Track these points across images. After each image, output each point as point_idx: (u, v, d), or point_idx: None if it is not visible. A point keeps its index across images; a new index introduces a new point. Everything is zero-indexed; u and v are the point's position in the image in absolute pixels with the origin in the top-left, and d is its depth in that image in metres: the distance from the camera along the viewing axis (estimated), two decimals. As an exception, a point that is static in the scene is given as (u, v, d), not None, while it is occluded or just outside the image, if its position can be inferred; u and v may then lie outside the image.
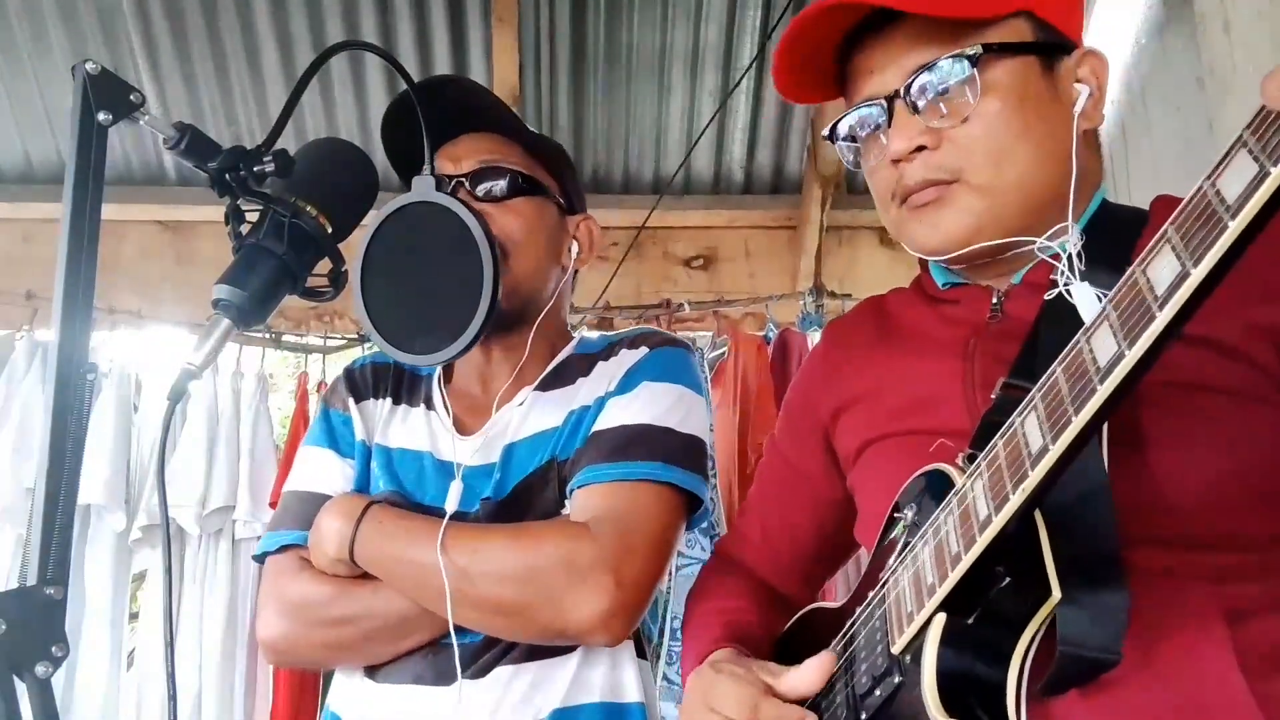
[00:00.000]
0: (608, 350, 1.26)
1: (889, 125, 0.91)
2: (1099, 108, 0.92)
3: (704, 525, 2.61)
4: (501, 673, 1.11)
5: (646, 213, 3.19)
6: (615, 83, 3.20)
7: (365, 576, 1.13)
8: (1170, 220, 0.58)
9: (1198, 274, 0.55)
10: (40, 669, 0.70)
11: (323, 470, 1.25)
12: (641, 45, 3.12)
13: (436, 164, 1.25)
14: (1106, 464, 0.72)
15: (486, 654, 1.12)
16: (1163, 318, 0.56)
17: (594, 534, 1.07)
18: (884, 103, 0.91)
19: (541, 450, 1.20)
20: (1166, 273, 0.57)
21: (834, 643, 0.88)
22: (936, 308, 1.00)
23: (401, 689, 1.14)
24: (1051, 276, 0.86)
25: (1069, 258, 0.80)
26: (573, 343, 1.32)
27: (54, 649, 0.70)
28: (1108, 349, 0.60)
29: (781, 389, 2.87)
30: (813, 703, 0.87)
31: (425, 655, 1.13)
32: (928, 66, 0.89)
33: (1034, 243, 0.87)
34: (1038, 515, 0.70)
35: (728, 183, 3.44)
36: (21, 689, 0.69)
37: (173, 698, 0.83)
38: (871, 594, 0.84)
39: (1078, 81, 0.91)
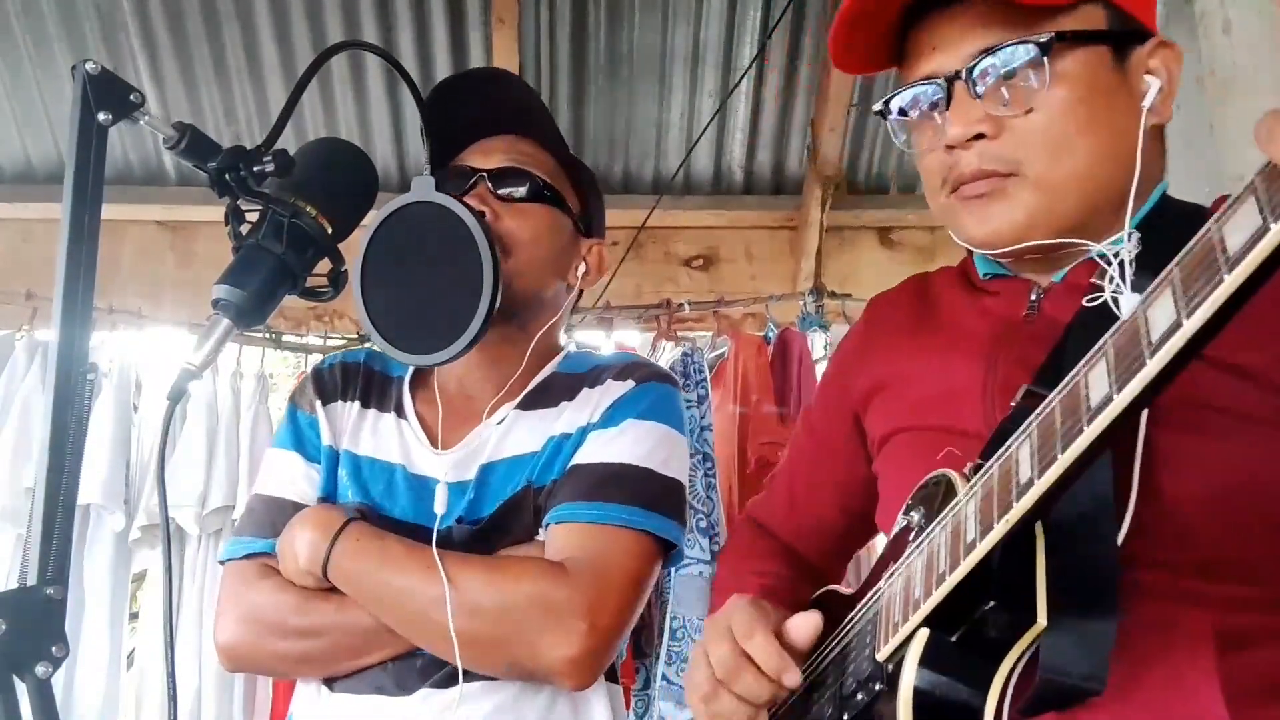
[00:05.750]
0: (594, 376, 1.22)
1: (947, 107, 0.86)
2: (1169, 102, 0.87)
3: (703, 526, 2.62)
4: (467, 687, 1.09)
5: (646, 213, 3.18)
6: (615, 83, 3.19)
7: (331, 589, 1.11)
8: (1177, 259, 0.56)
9: (1189, 326, 0.53)
10: (40, 669, 0.70)
11: (288, 476, 1.23)
12: (642, 45, 3.11)
13: (464, 156, 1.24)
14: (1113, 485, 0.71)
15: (450, 665, 1.09)
16: (1152, 366, 0.55)
17: (571, 577, 1.06)
18: (943, 82, 0.87)
19: (517, 475, 1.18)
20: (1163, 320, 0.55)
21: (834, 632, 0.88)
22: (975, 297, 0.96)
23: (361, 699, 1.12)
24: (1092, 279, 0.82)
25: (1120, 264, 0.76)
26: (558, 357, 1.28)
27: (54, 649, 0.70)
28: (1100, 389, 0.59)
29: (782, 389, 2.87)
30: (805, 691, 0.87)
31: (386, 665, 1.11)
32: (993, 49, 0.84)
33: (1085, 245, 0.84)
34: (1039, 530, 0.69)
35: (728, 183, 3.43)
36: (21, 689, 0.69)
37: (173, 698, 0.84)
38: (870, 593, 0.84)
39: (1148, 73, 0.86)
